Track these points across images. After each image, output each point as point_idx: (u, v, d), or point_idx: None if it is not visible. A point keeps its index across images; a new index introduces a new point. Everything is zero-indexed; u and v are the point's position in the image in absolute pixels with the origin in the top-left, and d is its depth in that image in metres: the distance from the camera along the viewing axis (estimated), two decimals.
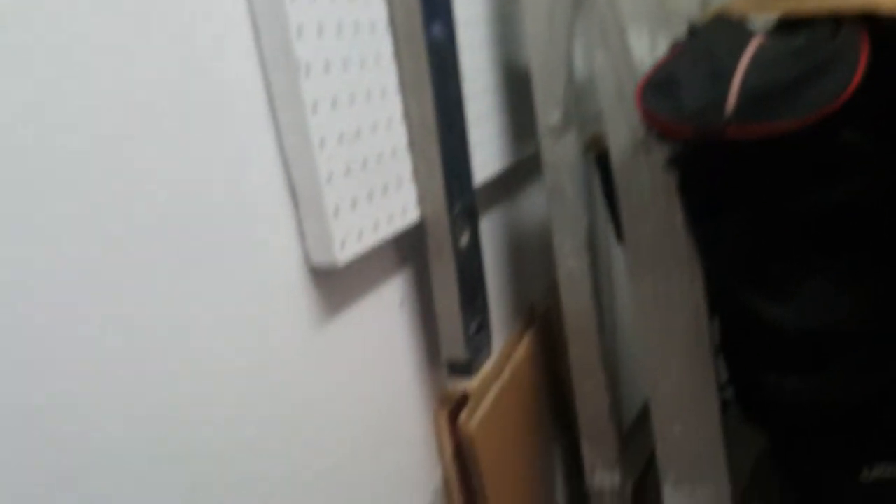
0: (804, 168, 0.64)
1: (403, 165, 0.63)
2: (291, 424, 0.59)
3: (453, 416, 0.80)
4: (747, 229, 0.67)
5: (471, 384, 0.84)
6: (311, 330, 0.61)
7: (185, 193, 0.48)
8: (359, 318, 0.67)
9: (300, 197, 0.56)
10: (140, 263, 0.45)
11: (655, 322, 0.78)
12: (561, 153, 0.80)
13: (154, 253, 0.46)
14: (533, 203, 1.08)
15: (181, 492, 0.49)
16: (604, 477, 0.90)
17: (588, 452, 0.90)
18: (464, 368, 0.73)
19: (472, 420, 0.74)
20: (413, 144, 0.64)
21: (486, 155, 0.82)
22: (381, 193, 0.61)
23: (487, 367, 0.86)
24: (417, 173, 0.64)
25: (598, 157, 0.85)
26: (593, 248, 0.84)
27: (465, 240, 0.70)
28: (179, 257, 0.48)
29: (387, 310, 0.71)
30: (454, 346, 0.71)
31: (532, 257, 1.06)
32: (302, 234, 0.57)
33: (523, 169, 1.03)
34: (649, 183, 0.74)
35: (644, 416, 1.16)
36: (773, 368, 0.68)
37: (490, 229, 0.92)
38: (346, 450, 0.67)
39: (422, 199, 0.66)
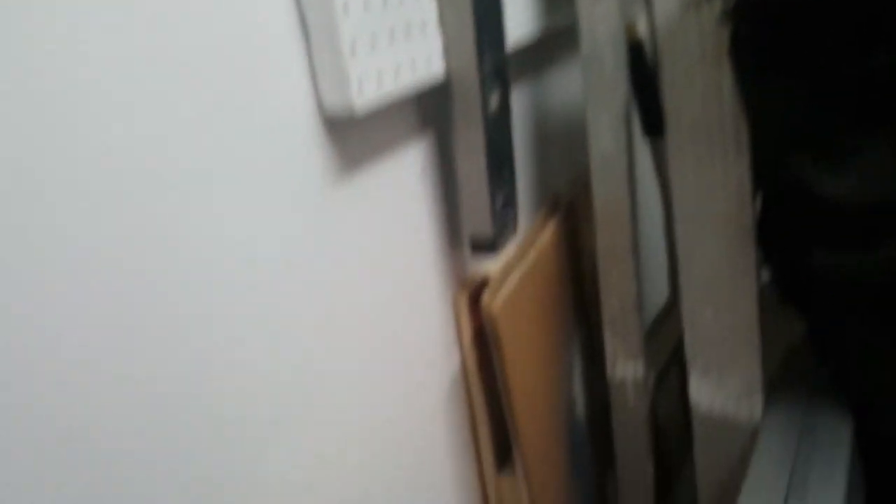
0: (869, 25, 0.58)
1: (429, 6, 0.57)
2: (300, 295, 0.55)
3: (473, 301, 0.76)
4: (803, 91, 0.61)
5: (492, 268, 0.80)
6: (325, 188, 0.56)
7: (182, 22, 0.42)
8: (375, 183, 0.62)
9: (313, 31, 0.50)
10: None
11: (693, 200, 0.73)
12: (601, 15, 0.73)
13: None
14: (560, 88, 1.01)
15: (179, 363, 0.45)
16: (626, 368, 0.86)
17: (610, 343, 0.86)
18: (488, 245, 0.68)
19: (495, 301, 0.69)
20: None
21: (519, 15, 0.75)
22: (404, 35, 0.54)
23: (510, 250, 0.82)
24: (444, 17, 0.57)
25: (631, 47, 0.78)
26: (629, 125, 0.78)
27: (494, 102, 0.64)
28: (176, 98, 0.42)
29: (406, 177, 0.66)
30: (479, 220, 0.66)
31: (557, 145, 1.00)
32: (315, 76, 0.51)
33: (552, 45, 0.96)
34: (697, 46, 0.67)
35: (665, 312, 1.13)
36: (823, 245, 0.63)
37: (515, 108, 0.86)
38: (358, 326, 0.63)
39: (448, 50, 0.59)
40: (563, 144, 1.00)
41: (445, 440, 0.78)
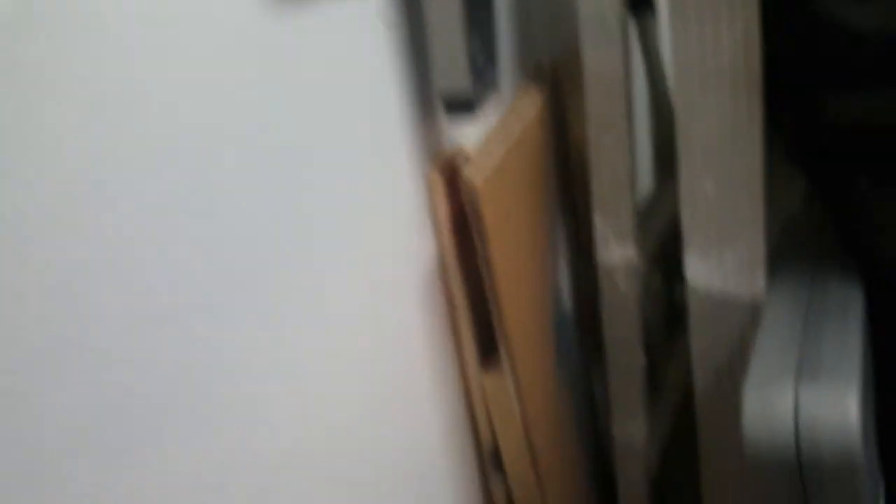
0: None
1: None
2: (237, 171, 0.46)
3: (449, 179, 0.68)
4: None
5: (470, 140, 0.72)
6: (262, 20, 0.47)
7: None
8: (325, 24, 0.53)
9: None
10: None
11: (695, 53, 0.65)
12: None
13: None
14: None
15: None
16: (617, 250, 0.80)
17: (600, 224, 0.79)
18: (465, 104, 0.60)
19: (478, 174, 0.62)
20: None
21: None
22: None
23: (491, 123, 0.73)
24: None
25: None
26: None
27: None
28: None
29: (367, 25, 0.57)
30: (453, 72, 0.58)
31: (538, 10, 0.90)
32: None
33: None
34: None
35: (656, 196, 1.06)
36: (841, 84, 0.56)
37: None
38: (317, 202, 0.54)
39: None
40: (545, 8, 0.90)
41: (423, 337, 0.71)
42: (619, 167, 0.75)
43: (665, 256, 1.21)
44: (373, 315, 0.62)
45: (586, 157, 0.78)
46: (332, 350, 0.58)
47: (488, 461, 0.83)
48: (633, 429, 0.90)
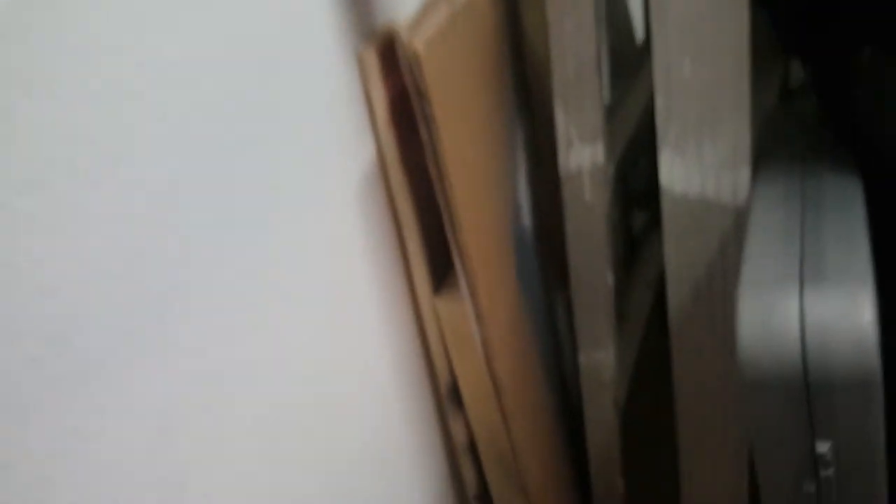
0: None
1: None
2: None
3: (386, 61, 0.56)
4: None
5: (408, 15, 0.60)
6: None
7: None
8: None
9: None
10: None
11: None
12: None
13: None
14: None
15: None
16: (582, 153, 0.70)
17: (562, 123, 0.69)
18: None
19: (418, 37, 0.50)
20: None
21: None
22: None
23: None
24: None
25: None
26: None
27: None
28: None
29: None
30: None
31: None
32: None
33: None
34: None
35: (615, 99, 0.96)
36: None
37: None
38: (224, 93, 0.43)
39: None
40: None
41: (363, 257, 0.60)
42: (584, 54, 0.65)
43: (625, 175, 1.12)
44: (300, 232, 0.51)
45: (543, 48, 0.67)
46: (252, 272, 0.47)
47: (446, 398, 0.73)
48: (600, 356, 0.82)
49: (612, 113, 0.84)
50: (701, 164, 0.65)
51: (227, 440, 0.45)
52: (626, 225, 1.13)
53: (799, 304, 0.50)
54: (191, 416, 0.42)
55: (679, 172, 0.66)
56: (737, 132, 0.62)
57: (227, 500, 0.44)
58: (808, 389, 0.50)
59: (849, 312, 0.49)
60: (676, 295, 0.72)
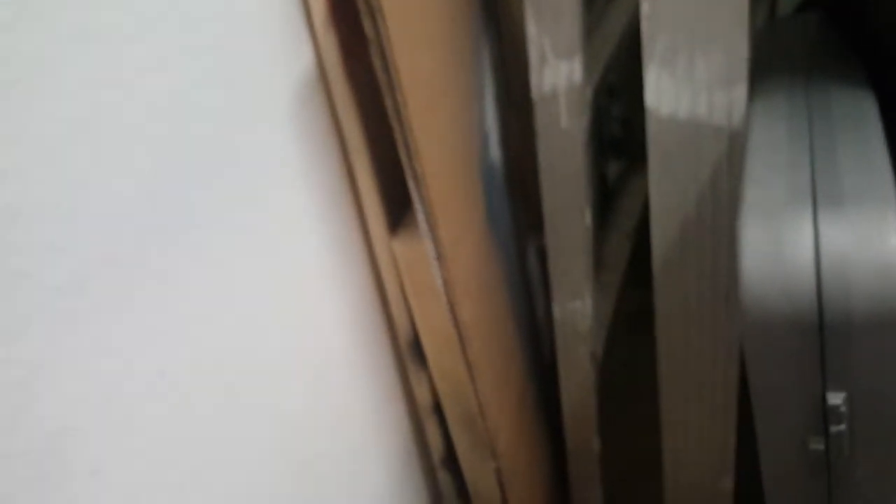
0: None
1: None
2: None
3: None
4: None
5: None
6: None
7: None
8: None
9: None
10: None
11: None
12: None
13: None
14: None
15: None
16: (556, 70, 0.61)
17: (535, 35, 0.60)
18: None
19: None
20: None
21: None
22: None
23: None
24: None
25: None
26: None
27: None
28: None
29: None
30: None
31: None
32: None
33: None
34: None
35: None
36: None
37: None
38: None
39: None
40: None
41: (305, 190, 0.51)
42: None
43: (600, 112, 1.04)
44: (221, 160, 0.42)
45: None
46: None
47: (407, 354, 0.66)
48: (576, 306, 0.74)
49: (591, 27, 0.76)
50: (692, 81, 0.57)
51: (176, 405, 0.36)
52: (600, 173, 1.06)
53: (813, 229, 0.43)
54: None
55: (667, 91, 0.58)
56: (734, 44, 0.54)
57: (181, 466, 0.36)
58: (821, 331, 0.43)
59: (872, 238, 0.42)
60: (661, 233, 0.64)
